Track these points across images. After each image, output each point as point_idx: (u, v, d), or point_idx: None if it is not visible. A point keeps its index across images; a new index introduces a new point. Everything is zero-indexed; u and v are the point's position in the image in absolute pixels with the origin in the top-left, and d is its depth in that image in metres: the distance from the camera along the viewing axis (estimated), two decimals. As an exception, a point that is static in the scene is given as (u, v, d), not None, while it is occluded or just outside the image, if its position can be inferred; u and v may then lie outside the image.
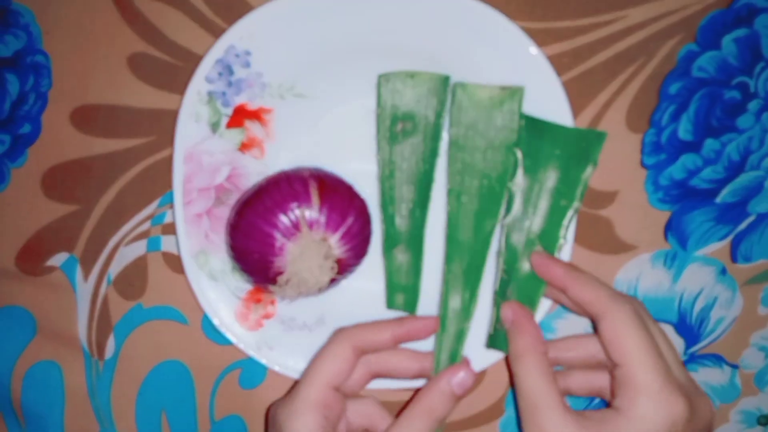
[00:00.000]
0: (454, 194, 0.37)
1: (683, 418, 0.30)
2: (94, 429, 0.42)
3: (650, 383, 0.30)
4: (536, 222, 0.36)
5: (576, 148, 0.35)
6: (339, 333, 0.36)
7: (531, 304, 0.35)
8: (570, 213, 0.35)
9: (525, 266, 0.36)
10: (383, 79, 0.37)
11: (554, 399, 0.31)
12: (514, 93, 0.36)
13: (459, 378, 0.34)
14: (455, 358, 0.36)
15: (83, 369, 0.42)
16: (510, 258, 0.36)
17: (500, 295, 0.36)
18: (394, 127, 0.37)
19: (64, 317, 0.42)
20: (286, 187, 0.35)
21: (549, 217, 0.35)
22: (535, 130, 0.36)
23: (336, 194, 0.35)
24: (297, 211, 0.35)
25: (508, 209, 0.36)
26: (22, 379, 0.42)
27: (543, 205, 0.35)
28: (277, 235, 0.35)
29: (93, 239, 0.41)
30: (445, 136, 0.38)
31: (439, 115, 0.37)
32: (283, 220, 0.35)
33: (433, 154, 0.37)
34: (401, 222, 0.38)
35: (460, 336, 0.36)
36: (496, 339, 0.36)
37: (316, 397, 0.34)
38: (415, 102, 0.37)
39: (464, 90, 0.36)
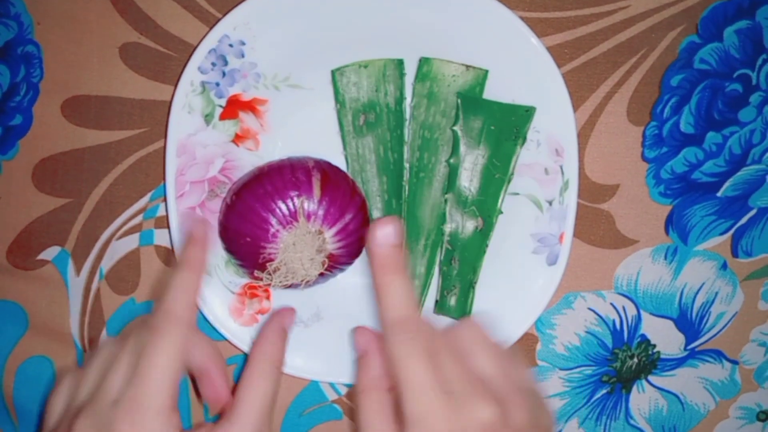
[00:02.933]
0: (413, 170, 0.38)
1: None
2: (87, 425, 0.42)
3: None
4: (475, 195, 0.37)
5: (507, 123, 0.37)
6: (160, 323, 0.30)
7: (473, 271, 0.38)
8: (505, 186, 0.37)
9: (466, 236, 0.38)
10: (338, 74, 0.37)
11: None
12: (478, 74, 0.37)
13: (288, 319, 0.36)
14: None
15: (76, 364, 0.41)
16: (453, 229, 0.38)
17: (445, 264, 0.38)
18: (356, 120, 0.37)
19: (56, 312, 0.41)
20: (288, 174, 0.35)
21: (486, 190, 0.37)
22: (471, 107, 0.37)
23: (338, 189, 0.35)
24: (296, 200, 0.34)
25: (452, 184, 0.37)
26: (14, 374, 0.42)
27: (481, 178, 0.37)
28: (273, 221, 0.34)
29: (85, 233, 0.41)
30: (409, 115, 0.38)
31: (399, 102, 0.38)
32: (281, 207, 0.34)
33: (400, 141, 0.38)
34: (379, 215, 0.38)
35: None
36: (443, 306, 0.39)
37: (164, 401, 0.29)
38: (374, 91, 0.37)
39: (428, 65, 0.37)
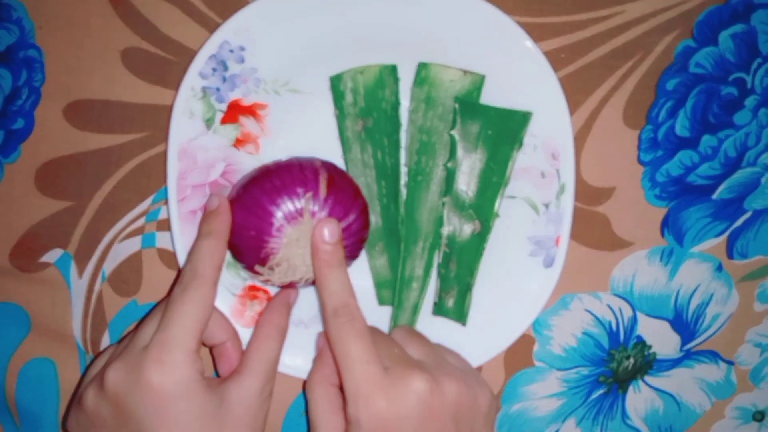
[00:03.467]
0: (411, 174, 0.38)
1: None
2: (89, 426, 0.42)
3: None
4: (472, 198, 0.38)
5: (505, 127, 0.37)
6: (188, 279, 0.33)
7: (470, 273, 0.38)
8: (501, 189, 0.37)
9: (464, 239, 0.38)
10: (336, 80, 0.37)
11: (334, 428, 0.33)
12: (475, 78, 0.37)
13: (293, 296, 0.38)
14: None
15: (78, 366, 0.42)
16: (451, 232, 0.38)
17: (443, 267, 0.39)
18: (355, 126, 0.38)
19: (58, 314, 0.41)
20: (297, 171, 0.35)
21: (483, 193, 0.38)
22: (469, 111, 0.37)
23: (343, 190, 0.35)
24: (303, 197, 0.34)
25: (449, 188, 0.38)
26: (17, 376, 0.42)
27: (478, 182, 0.38)
28: (278, 216, 0.34)
29: (87, 235, 0.41)
30: (405, 120, 0.39)
31: (394, 107, 0.38)
32: (288, 202, 0.34)
33: (396, 146, 0.38)
34: (377, 219, 0.39)
35: (415, 309, 0.39)
36: (441, 307, 0.39)
37: (189, 344, 0.32)
38: (371, 97, 0.38)
39: (426, 70, 0.37)
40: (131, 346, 0.33)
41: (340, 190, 0.35)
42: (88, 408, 0.33)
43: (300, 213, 0.34)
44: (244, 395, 0.33)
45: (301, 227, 0.34)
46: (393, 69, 0.38)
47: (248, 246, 0.35)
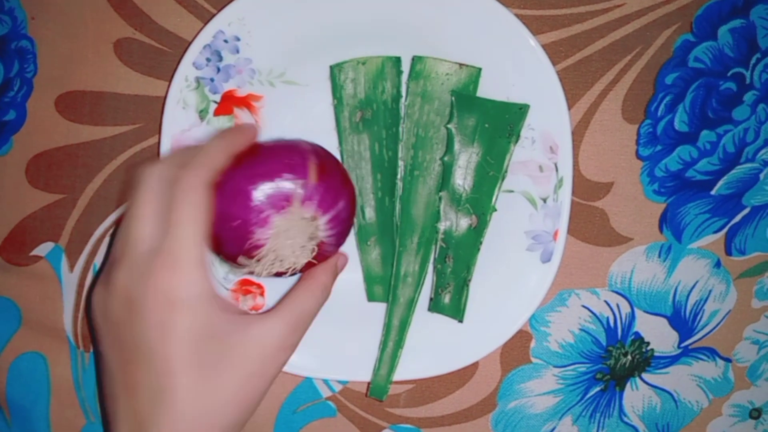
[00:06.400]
0: (407, 168, 0.38)
1: None
2: (80, 421, 0.42)
3: None
4: (469, 192, 0.37)
5: (502, 120, 0.37)
6: (187, 177, 0.29)
7: (467, 269, 0.38)
8: (499, 183, 0.37)
9: (460, 234, 0.38)
10: (336, 70, 0.37)
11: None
12: (472, 72, 0.37)
13: (342, 261, 0.37)
14: (405, 325, 0.38)
15: (69, 361, 0.41)
16: (447, 227, 0.38)
17: (439, 262, 0.38)
18: (353, 117, 0.37)
19: (49, 308, 0.41)
20: (284, 156, 0.32)
21: (480, 187, 0.37)
22: (465, 105, 0.37)
23: (333, 175, 0.33)
24: (291, 184, 0.32)
25: (446, 182, 0.38)
26: (7, 370, 0.42)
27: (475, 176, 0.37)
28: (265, 204, 0.31)
29: (79, 229, 0.40)
30: (403, 112, 0.38)
31: (395, 99, 0.38)
32: (275, 190, 0.32)
33: (395, 139, 0.38)
34: (371, 213, 0.38)
35: (410, 304, 0.38)
36: (437, 304, 0.39)
37: (200, 255, 0.28)
38: (371, 89, 0.37)
39: (422, 63, 0.37)
40: (134, 250, 0.29)
41: (330, 175, 0.33)
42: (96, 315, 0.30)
43: (288, 201, 0.32)
44: (265, 335, 0.30)
45: (289, 216, 0.32)
46: (397, 61, 0.37)
47: (231, 237, 0.32)
